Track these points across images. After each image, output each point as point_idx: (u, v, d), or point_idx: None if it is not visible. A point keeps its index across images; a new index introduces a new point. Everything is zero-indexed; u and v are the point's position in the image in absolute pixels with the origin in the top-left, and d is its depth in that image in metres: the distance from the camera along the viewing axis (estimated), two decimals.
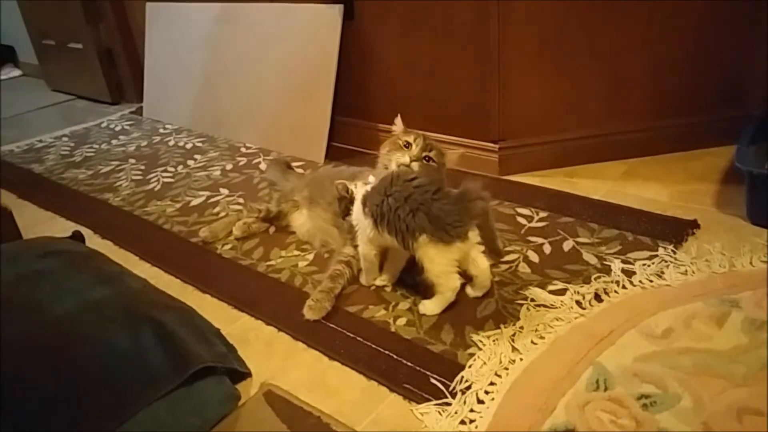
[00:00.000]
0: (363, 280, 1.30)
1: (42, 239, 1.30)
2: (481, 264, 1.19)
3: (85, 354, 0.91)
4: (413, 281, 1.27)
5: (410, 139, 1.30)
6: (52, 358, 0.89)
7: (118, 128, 2.70)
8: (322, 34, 1.99)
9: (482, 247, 1.19)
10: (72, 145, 2.53)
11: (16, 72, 4.13)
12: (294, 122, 2.13)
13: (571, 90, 1.71)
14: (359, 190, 1.23)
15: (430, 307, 1.19)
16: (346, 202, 1.24)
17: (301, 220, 1.52)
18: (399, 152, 1.30)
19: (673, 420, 0.89)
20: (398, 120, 1.38)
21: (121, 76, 3.08)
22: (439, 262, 1.13)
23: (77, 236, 1.38)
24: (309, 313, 1.21)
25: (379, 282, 1.30)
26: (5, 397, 0.84)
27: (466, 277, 1.21)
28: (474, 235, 1.15)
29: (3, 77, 4.04)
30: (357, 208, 1.23)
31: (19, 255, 1.16)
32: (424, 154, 1.29)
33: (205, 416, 0.98)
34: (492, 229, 1.27)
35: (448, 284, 1.16)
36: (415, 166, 1.27)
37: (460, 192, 1.14)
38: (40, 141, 2.63)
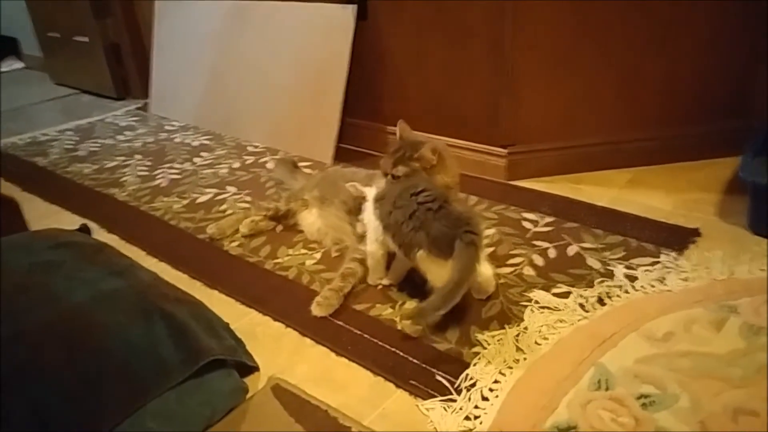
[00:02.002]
0: (370, 279, 1.32)
1: (52, 230, 1.31)
2: (484, 272, 1.21)
3: (101, 343, 0.93)
4: (420, 281, 1.29)
5: (391, 150, 1.32)
6: (70, 347, 0.90)
7: (123, 124, 2.71)
8: (335, 34, 2.00)
9: (487, 251, 1.21)
10: (76, 139, 2.54)
11: (19, 64, 4.12)
12: (303, 122, 2.15)
13: (580, 97, 1.74)
14: (371, 191, 1.26)
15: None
16: (360, 201, 1.26)
17: (311, 219, 1.54)
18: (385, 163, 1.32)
19: (671, 419, 0.91)
20: (399, 125, 1.38)
21: (127, 72, 3.09)
22: (438, 274, 1.15)
23: (84, 229, 1.39)
24: (317, 309, 1.23)
25: (385, 281, 1.32)
26: (25, 382, 0.85)
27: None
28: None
29: (5, 69, 4.04)
30: (369, 207, 1.25)
31: (31, 245, 1.18)
32: (392, 170, 1.29)
33: (214, 407, 1.00)
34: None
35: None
36: (389, 177, 1.30)
37: (458, 216, 1.14)
38: (44, 134, 2.63)
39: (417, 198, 1.17)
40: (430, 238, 1.13)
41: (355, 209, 1.28)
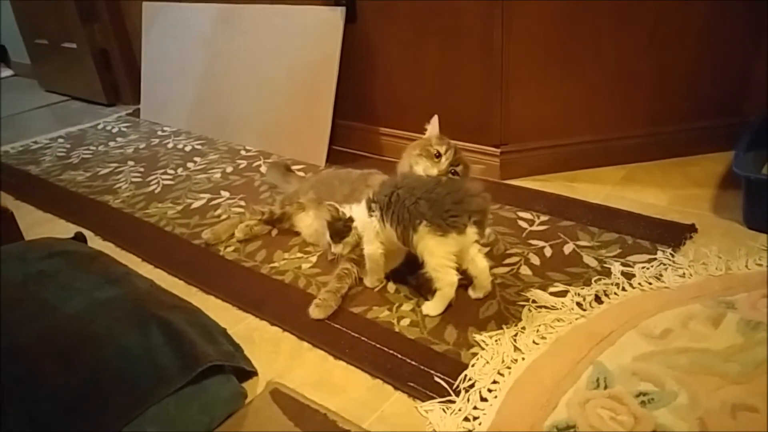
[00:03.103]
0: (368, 281, 1.32)
1: (46, 240, 1.31)
2: (479, 264, 1.21)
3: (98, 353, 0.92)
4: (416, 283, 1.29)
5: (441, 149, 1.27)
6: (67, 357, 0.90)
7: (115, 130, 2.70)
8: (324, 37, 2.00)
9: (482, 247, 1.22)
10: (68, 146, 2.53)
11: (8, 72, 4.10)
12: (295, 125, 2.15)
13: (573, 96, 1.74)
14: (354, 210, 1.26)
15: (432, 307, 1.22)
16: (338, 225, 1.26)
17: (308, 221, 1.54)
18: (429, 161, 1.27)
19: (670, 416, 0.92)
20: (435, 121, 1.34)
21: (116, 77, 3.07)
22: (437, 253, 1.16)
23: (79, 237, 1.39)
24: (315, 311, 1.23)
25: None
26: (25, 395, 0.85)
27: (468, 280, 1.24)
28: (472, 231, 1.18)
29: None
30: (361, 212, 1.25)
31: (26, 255, 1.17)
32: (451, 168, 1.27)
33: (214, 413, 0.99)
34: (484, 229, 1.27)
35: (446, 279, 1.18)
36: (444, 171, 1.27)
37: (463, 186, 1.19)
38: (36, 142, 2.62)
39: (422, 177, 1.21)
40: (430, 204, 1.15)
41: (330, 232, 1.27)
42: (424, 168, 1.27)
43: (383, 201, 1.21)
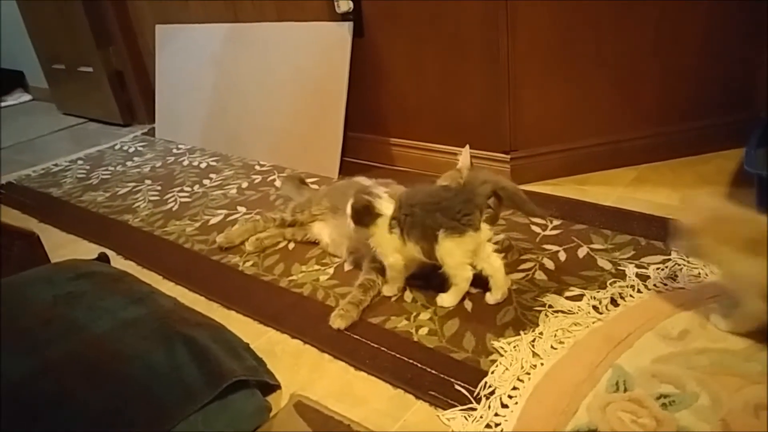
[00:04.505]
0: (387, 290, 1.34)
1: (72, 262, 1.34)
2: (494, 263, 1.24)
3: (126, 371, 0.95)
4: (434, 293, 1.31)
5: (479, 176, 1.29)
6: (96, 376, 0.93)
7: (131, 150, 2.75)
8: (333, 51, 2.04)
9: (496, 246, 1.26)
10: (87, 167, 2.59)
11: (26, 97, 4.20)
12: (307, 139, 2.18)
13: (580, 99, 1.75)
14: (384, 203, 1.28)
15: (447, 299, 1.27)
16: (370, 214, 1.28)
17: (327, 230, 1.56)
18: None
19: (692, 418, 0.92)
20: (466, 152, 1.35)
21: (131, 98, 3.14)
22: (456, 253, 1.21)
23: (103, 258, 1.43)
24: (337, 321, 1.25)
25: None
26: (55, 412, 0.88)
27: (484, 286, 1.25)
28: (486, 228, 1.22)
29: (13, 102, 4.12)
30: (382, 231, 1.28)
31: (53, 277, 1.21)
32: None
33: (240, 428, 1.01)
34: (516, 193, 1.28)
35: (462, 275, 1.24)
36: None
37: (464, 183, 1.23)
38: (56, 165, 2.68)
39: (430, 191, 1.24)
40: (443, 211, 1.19)
41: (361, 220, 1.28)
42: None
43: (403, 220, 1.25)
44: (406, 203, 1.26)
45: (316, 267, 1.52)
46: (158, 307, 1.13)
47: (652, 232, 1.43)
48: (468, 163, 1.39)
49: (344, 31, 1.99)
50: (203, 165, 2.40)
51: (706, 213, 1.06)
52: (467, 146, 1.37)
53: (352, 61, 2.00)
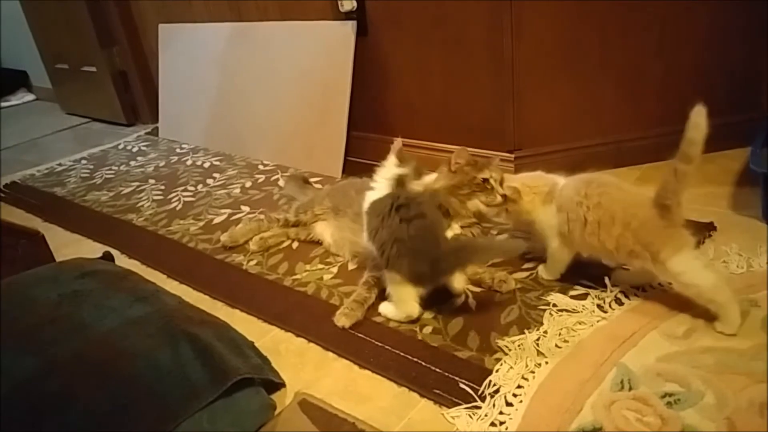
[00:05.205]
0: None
1: (77, 261, 1.35)
2: (457, 287, 1.25)
3: (131, 369, 0.95)
4: (437, 293, 1.30)
5: (486, 174, 1.30)
6: (102, 374, 0.93)
7: (135, 149, 2.76)
8: (336, 51, 2.04)
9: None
10: (91, 167, 2.59)
11: (30, 96, 4.21)
12: (310, 138, 2.18)
13: (584, 98, 1.75)
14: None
15: (388, 309, 1.27)
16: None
17: (330, 230, 1.57)
18: (482, 194, 1.30)
19: (697, 416, 0.92)
20: (463, 152, 1.33)
21: (135, 98, 3.14)
22: (401, 296, 1.22)
23: (107, 257, 1.43)
24: (341, 319, 1.25)
25: None
26: (60, 410, 0.88)
27: (488, 287, 1.26)
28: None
29: (16, 102, 4.13)
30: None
31: (58, 276, 1.21)
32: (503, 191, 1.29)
33: (244, 425, 1.02)
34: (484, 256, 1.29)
35: (405, 310, 1.24)
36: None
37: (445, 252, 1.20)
38: (60, 164, 2.69)
39: (414, 220, 1.19)
40: (409, 268, 1.18)
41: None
42: (487, 202, 1.31)
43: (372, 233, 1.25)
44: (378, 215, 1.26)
45: (320, 266, 1.52)
46: (163, 305, 1.13)
47: None
48: (465, 159, 1.33)
49: (348, 30, 1.99)
50: (207, 164, 2.41)
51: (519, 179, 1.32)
52: (463, 149, 1.36)
53: (356, 60, 2.00)
